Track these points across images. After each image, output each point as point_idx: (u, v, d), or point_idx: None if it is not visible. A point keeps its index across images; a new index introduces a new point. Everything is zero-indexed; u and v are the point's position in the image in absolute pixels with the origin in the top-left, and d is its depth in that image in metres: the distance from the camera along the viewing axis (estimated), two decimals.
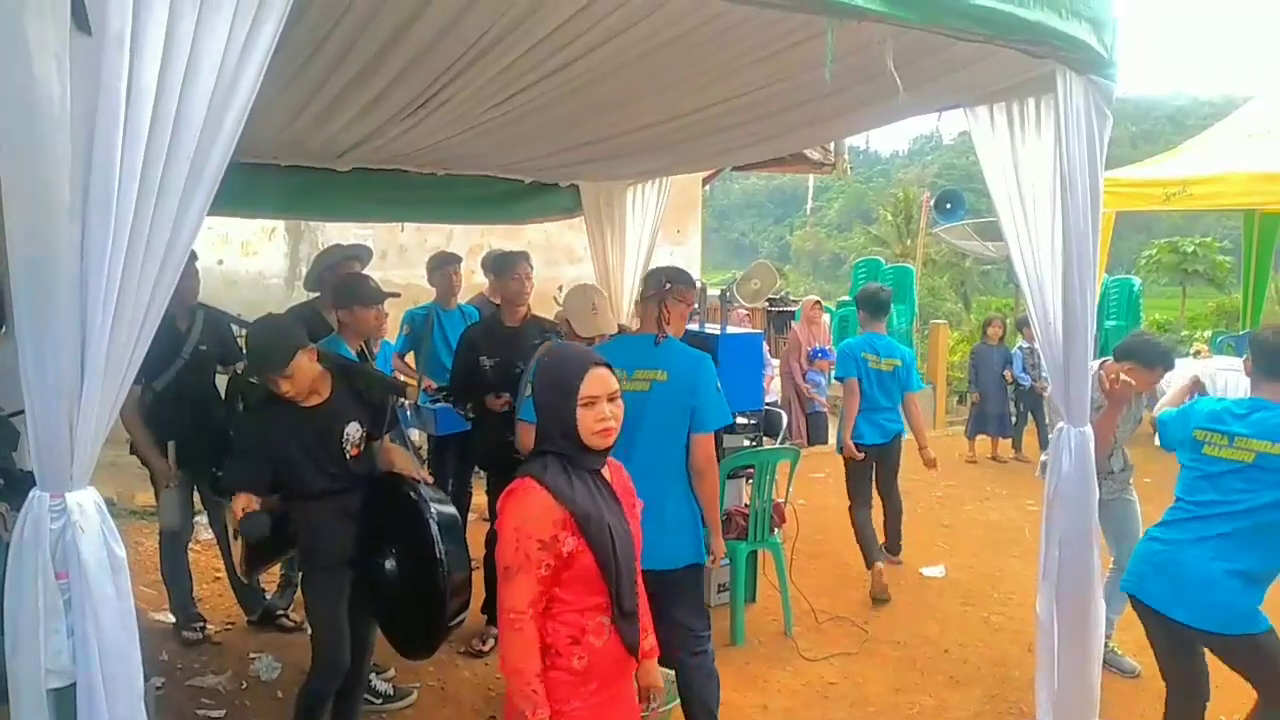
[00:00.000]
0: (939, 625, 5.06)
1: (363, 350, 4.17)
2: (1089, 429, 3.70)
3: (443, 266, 5.30)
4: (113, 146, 1.86)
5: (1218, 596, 3.08)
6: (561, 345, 2.62)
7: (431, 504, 3.11)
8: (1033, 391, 8.75)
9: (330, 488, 3.25)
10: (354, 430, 3.29)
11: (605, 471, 2.36)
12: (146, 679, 2.15)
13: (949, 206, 13.65)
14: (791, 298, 11.74)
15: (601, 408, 2.28)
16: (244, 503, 3.06)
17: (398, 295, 4.15)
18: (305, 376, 3.17)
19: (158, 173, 1.92)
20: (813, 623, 4.91)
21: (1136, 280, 12.32)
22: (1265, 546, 3.07)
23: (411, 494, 3.17)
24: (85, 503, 2.02)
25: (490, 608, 4.64)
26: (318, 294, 4.64)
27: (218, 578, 5.20)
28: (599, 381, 2.29)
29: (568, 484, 2.24)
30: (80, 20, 1.78)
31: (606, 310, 4.37)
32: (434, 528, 3.03)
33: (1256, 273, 11.54)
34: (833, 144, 10.37)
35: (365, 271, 4.60)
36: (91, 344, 1.92)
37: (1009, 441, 9.12)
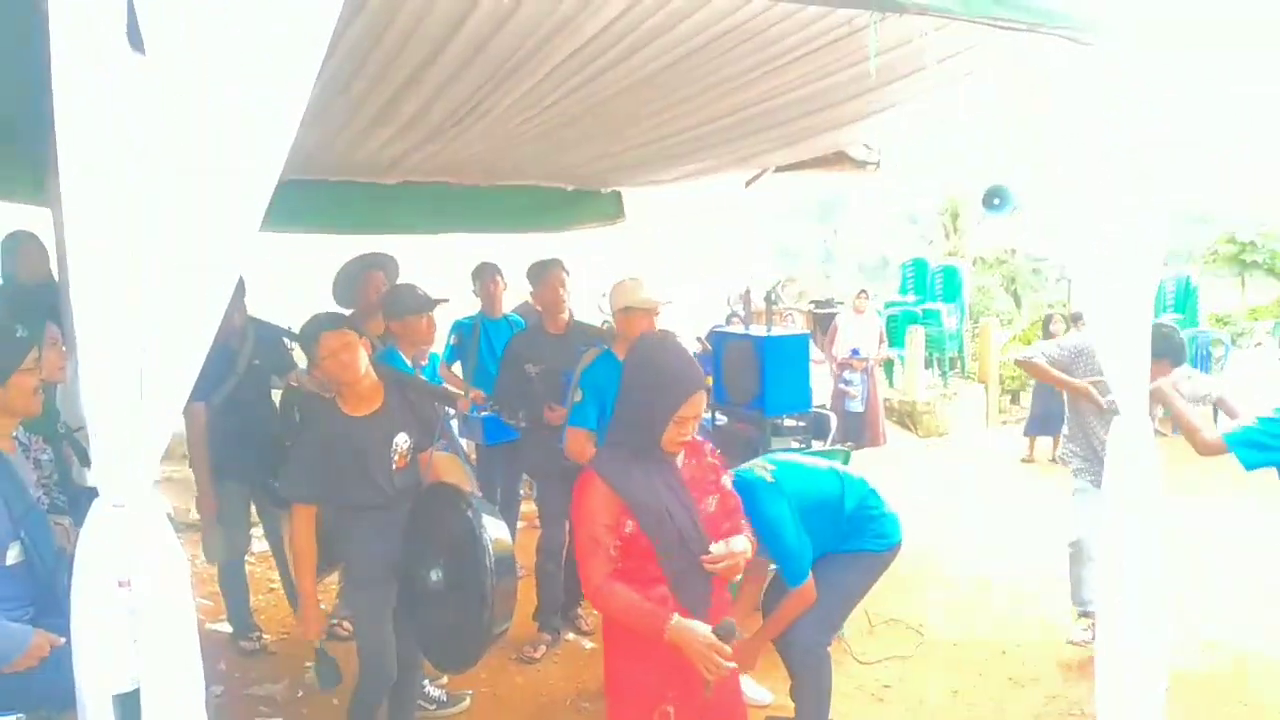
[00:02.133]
0: (996, 627, 4.97)
1: (414, 361, 4.22)
2: (1148, 422, 3.62)
3: (483, 276, 5.34)
4: (166, 167, 1.91)
5: None
6: (673, 347, 2.53)
7: (483, 514, 3.12)
8: None
9: (377, 500, 3.27)
10: (403, 440, 3.31)
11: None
12: (206, 687, 2.19)
13: (996, 202, 13.42)
14: (838, 300, 11.64)
15: (689, 426, 2.41)
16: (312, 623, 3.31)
17: (446, 300, 4.19)
18: (360, 356, 3.19)
19: (212, 192, 1.96)
20: (866, 625, 4.85)
21: (1193, 271, 12.05)
22: None
23: (462, 504, 3.19)
24: (147, 512, 2.07)
25: (541, 615, 4.66)
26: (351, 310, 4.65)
27: (273, 589, 5.29)
28: (697, 403, 2.41)
29: (629, 475, 2.38)
30: (135, 40, 1.83)
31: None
32: (485, 539, 3.02)
33: None
34: (876, 144, 10.28)
35: (403, 282, 4.64)
36: (150, 359, 1.97)
37: None
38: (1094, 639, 4.46)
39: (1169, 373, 4.00)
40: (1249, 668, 4.32)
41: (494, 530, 3.08)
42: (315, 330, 3.23)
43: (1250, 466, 3.19)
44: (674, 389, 2.37)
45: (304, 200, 4.81)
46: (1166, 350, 3.80)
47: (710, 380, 5.50)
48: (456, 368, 5.52)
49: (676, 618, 2.28)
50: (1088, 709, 3.95)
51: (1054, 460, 8.75)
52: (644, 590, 2.36)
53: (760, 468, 3.38)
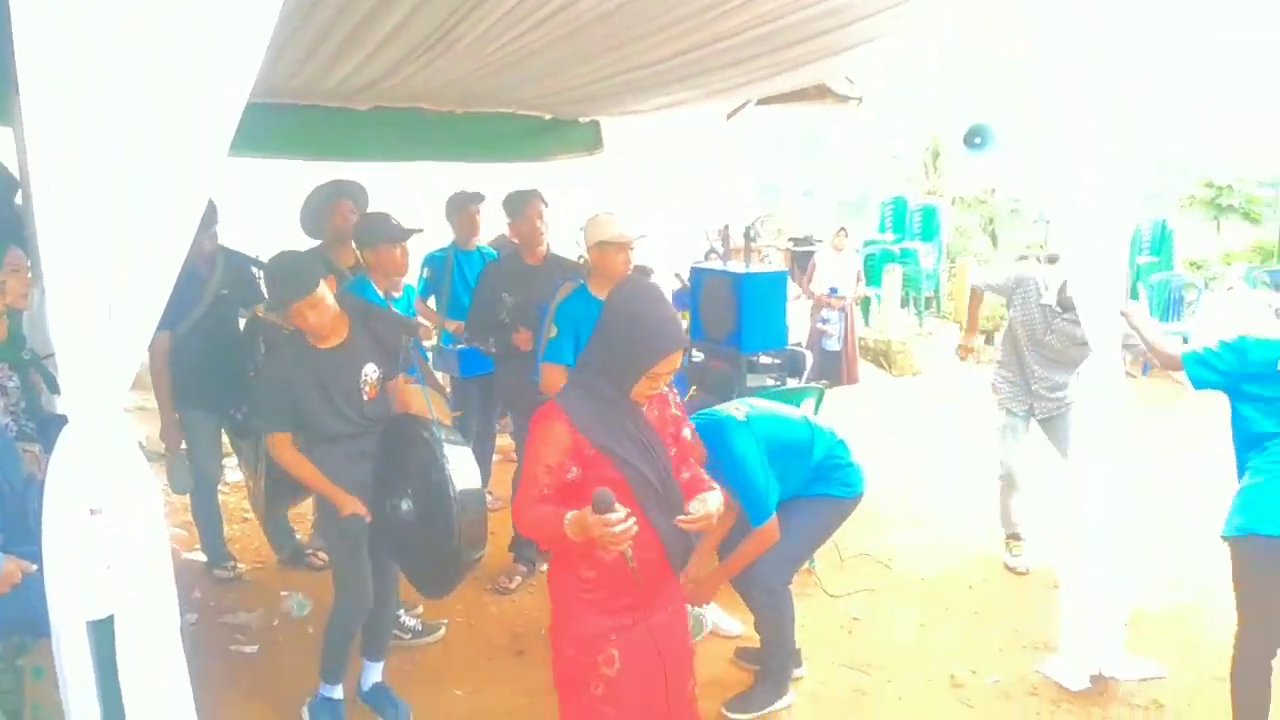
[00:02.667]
0: (964, 562, 5.07)
1: (388, 293, 4.16)
2: (1119, 360, 3.67)
3: (464, 206, 5.24)
4: (133, 89, 1.85)
5: None
6: (657, 299, 2.45)
7: (445, 444, 3.11)
8: None
9: (347, 430, 3.28)
10: (371, 371, 3.31)
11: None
12: (181, 615, 2.20)
13: (978, 140, 13.34)
14: (816, 238, 11.59)
15: (661, 381, 2.40)
16: (352, 506, 3.20)
17: (420, 230, 4.13)
18: (328, 308, 3.18)
19: (178, 114, 1.90)
20: (837, 559, 4.93)
21: (1168, 217, 12.09)
22: None
23: (425, 434, 3.18)
24: (117, 439, 2.05)
25: (517, 546, 4.69)
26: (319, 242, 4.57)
27: (246, 518, 5.30)
28: (674, 360, 2.38)
29: (594, 416, 2.34)
30: None
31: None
32: (447, 467, 3.03)
33: None
34: (859, 78, 10.16)
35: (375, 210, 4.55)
36: (117, 284, 1.93)
37: None
38: (1027, 563, 4.84)
39: None
40: (1210, 603, 4.43)
41: (457, 459, 3.08)
42: (281, 280, 3.20)
43: (1198, 385, 3.28)
44: (654, 345, 2.33)
45: (273, 125, 4.67)
46: None
47: (688, 316, 5.53)
48: (431, 302, 5.47)
49: (569, 514, 2.22)
50: (1051, 642, 4.05)
51: None
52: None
53: (733, 408, 3.43)
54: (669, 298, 6.62)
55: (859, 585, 4.74)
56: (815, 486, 3.52)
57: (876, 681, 3.87)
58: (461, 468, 3.11)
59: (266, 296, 3.82)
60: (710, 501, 2.41)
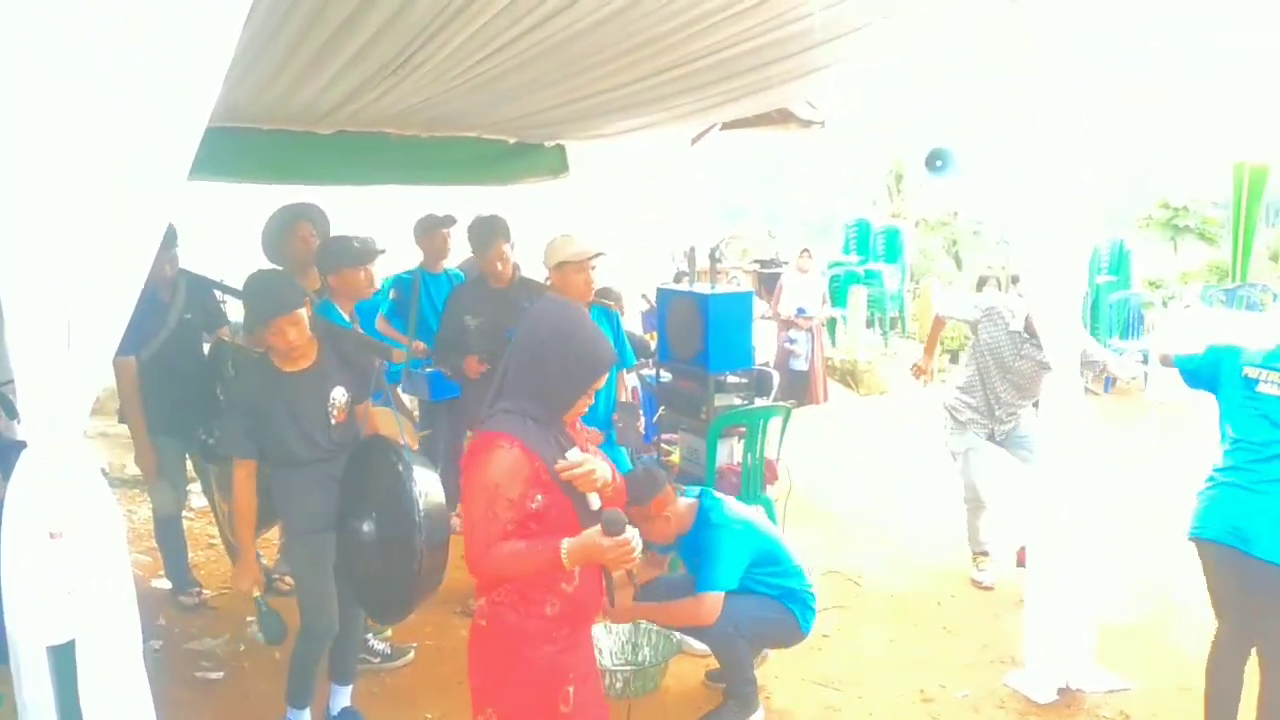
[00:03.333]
0: (932, 579, 5.11)
1: (353, 315, 4.15)
2: (1079, 378, 3.74)
3: (434, 229, 5.25)
4: (92, 113, 1.85)
5: None
6: (583, 317, 2.38)
7: (413, 467, 3.09)
8: None
9: (314, 454, 3.26)
10: (339, 395, 3.30)
11: None
12: (144, 641, 2.17)
13: (939, 164, 13.55)
14: (782, 259, 11.69)
15: (590, 399, 2.34)
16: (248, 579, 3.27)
17: (384, 252, 4.13)
18: (302, 338, 3.18)
19: (138, 139, 1.91)
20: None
21: (1126, 237, 12.31)
22: None
23: (393, 457, 3.17)
24: (76, 463, 2.03)
25: None
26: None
27: (212, 544, 5.23)
28: (604, 378, 2.34)
29: (542, 441, 2.25)
30: None
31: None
32: (414, 490, 3.01)
33: (1245, 227, 11.53)
34: (821, 103, 10.30)
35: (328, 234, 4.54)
36: (75, 309, 1.93)
37: None
38: (993, 578, 4.89)
39: None
40: (1178, 618, 4.49)
41: (424, 483, 3.06)
42: (264, 295, 3.18)
43: (1189, 384, 3.44)
44: (592, 364, 2.28)
45: (236, 149, 4.68)
46: None
47: (655, 337, 5.55)
48: (380, 324, 5.41)
49: (566, 541, 2.15)
50: (1018, 656, 4.08)
51: None
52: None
53: (741, 508, 3.78)
54: (638, 319, 6.70)
55: (829, 603, 4.75)
56: (784, 599, 3.71)
57: (847, 697, 3.88)
58: (428, 491, 3.08)
59: (244, 315, 3.76)
60: (595, 460, 2.30)
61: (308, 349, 3.26)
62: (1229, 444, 3.21)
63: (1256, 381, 3.14)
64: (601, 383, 2.32)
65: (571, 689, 2.31)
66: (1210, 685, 3.28)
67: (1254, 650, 3.21)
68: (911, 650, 4.30)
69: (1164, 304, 11.67)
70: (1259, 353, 3.21)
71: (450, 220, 5.27)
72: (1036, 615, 3.85)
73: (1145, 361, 9.49)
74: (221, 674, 3.99)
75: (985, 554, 5.07)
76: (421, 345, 4.64)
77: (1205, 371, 3.35)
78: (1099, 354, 3.74)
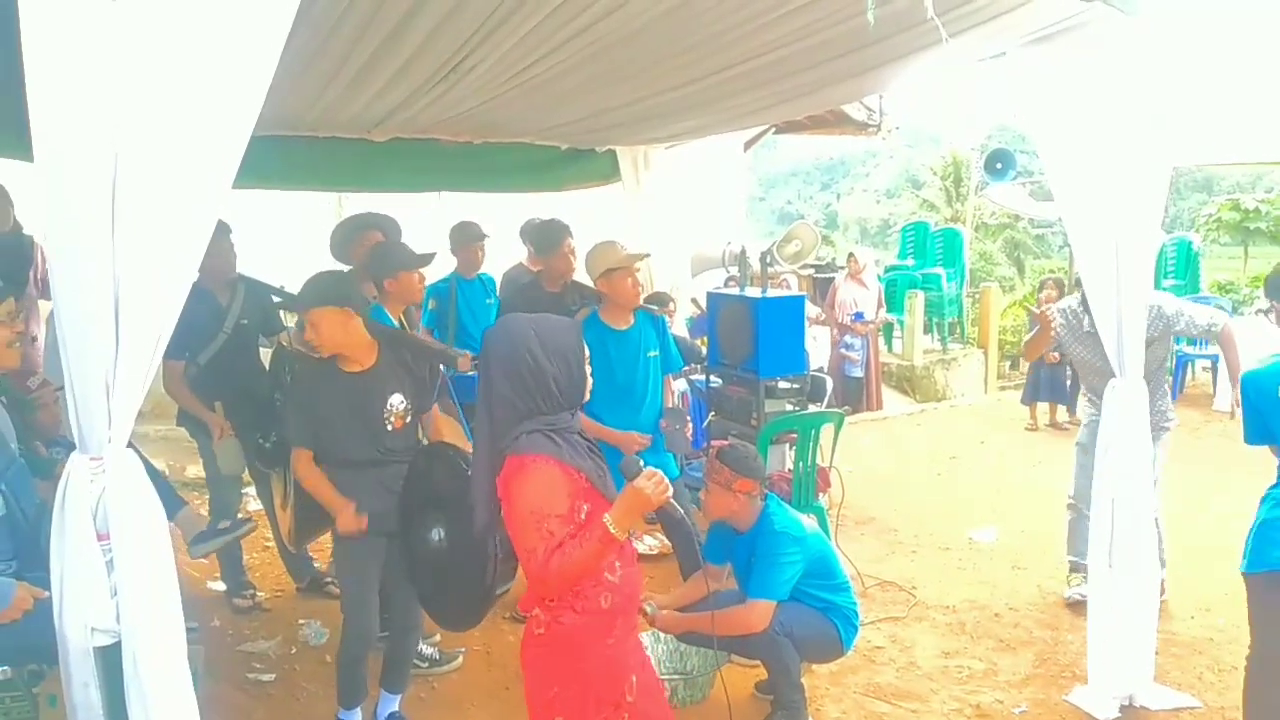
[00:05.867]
0: (989, 590, 4.98)
1: (403, 321, 4.17)
2: (1143, 385, 3.61)
3: (469, 243, 5.28)
4: (133, 121, 1.87)
5: None
6: (532, 318, 2.39)
7: None
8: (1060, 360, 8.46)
9: (368, 458, 3.25)
10: (398, 401, 3.28)
11: None
12: (195, 643, 2.19)
13: (999, 166, 13.29)
14: (838, 264, 11.57)
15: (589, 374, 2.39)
16: (347, 518, 3.17)
17: (435, 255, 4.16)
18: (359, 331, 3.20)
19: (184, 146, 1.93)
20: (860, 588, 4.84)
21: (1194, 238, 11.94)
22: None
23: (463, 464, 3.15)
24: (123, 465, 2.06)
25: None
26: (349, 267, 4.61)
27: (267, 547, 5.30)
28: (584, 346, 2.39)
29: (571, 450, 2.28)
30: None
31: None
32: None
33: None
34: (878, 105, 10.18)
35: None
36: (123, 314, 1.96)
37: (1065, 407, 8.89)
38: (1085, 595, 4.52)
39: None
40: (1243, 631, 4.31)
41: None
42: (312, 298, 3.20)
43: (1246, 440, 3.17)
44: (570, 337, 2.34)
45: (291, 157, 4.74)
46: None
47: (705, 342, 5.51)
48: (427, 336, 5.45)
49: (606, 515, 2.17)
50: (1078, 670, 3.95)
51: (1052, 425, 8.75)
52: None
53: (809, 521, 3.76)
54: (685, 324, 6.66)
55: (881, 613, 4.66)
56: (829, 613, 3.65)
57: (899, 711, 3.79)
58: None
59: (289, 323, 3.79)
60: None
61: (367, 352, 3.27)
62: None
63: None
64: (585, 352, 2.36)
65: (635, 677, 2.37)
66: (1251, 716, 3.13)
67: None
68: (967, 663, 4.19)
69: (1235, 308, 11.30)
70: (1273, 372, 3.00)
71: (482, 234, 5.32)
72: (1099, 629, 3.72)
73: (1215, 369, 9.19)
74: (273, 676, 4.03)
75: (1079, 570, 4.60)
76: (469, 356, 4.67)
77: (1251, 413, 3.10)
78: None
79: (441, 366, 4.77)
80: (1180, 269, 10.82)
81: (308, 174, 5.01)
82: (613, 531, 2.16)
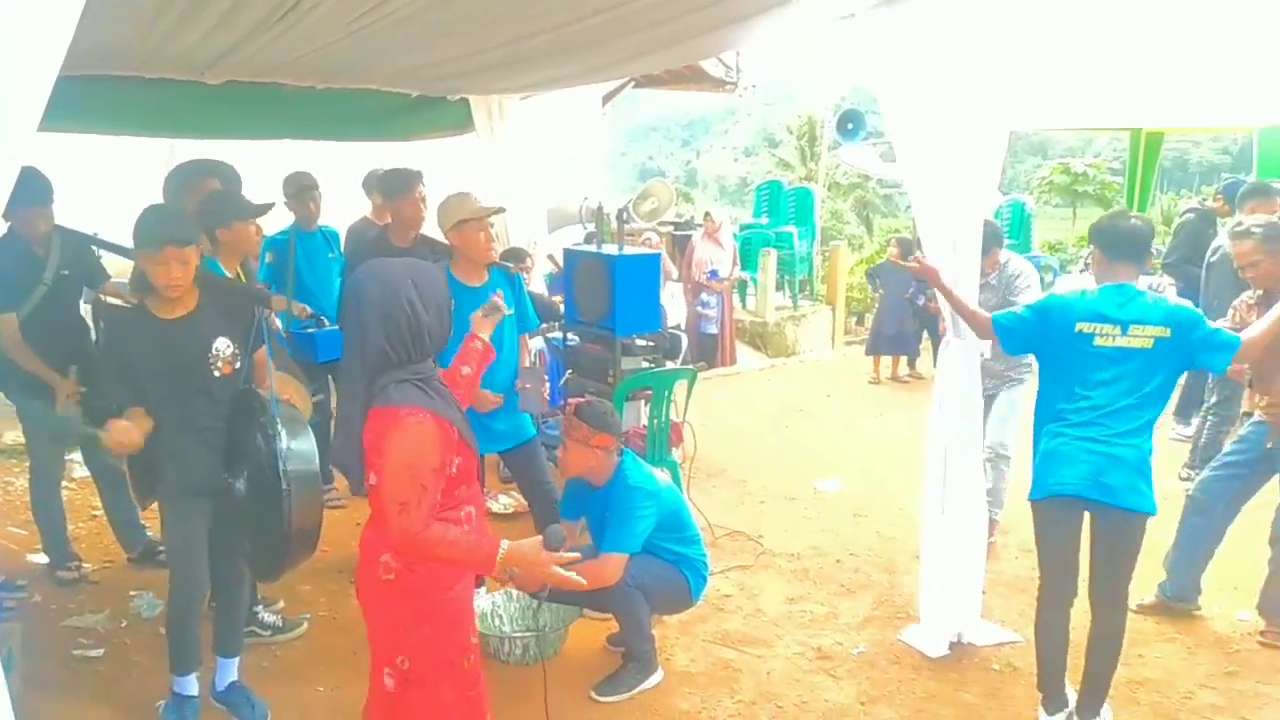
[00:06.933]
0: (832, 537, 5.19)
1: (239, 275, 3.97)
2: (975, 343, 3.79)
3: (301, 192, 5.06)
4: None
5: (1148, 476, 3.16)
6: (406, 263, 2.37)
7: (280, 422, 2.94)
8: (926, 310, 8.87)
9: (195, 409, 3.11)
10: (223, 346, 3.14)
11: None
12: (8, 620, 2.04)
13: (850, 127, 13.66)
14: (697, 221, 11.69)
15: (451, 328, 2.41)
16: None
17: (273, 206, 3.96)
18: (192, 272, 3.03)
19: None
20: (710, 539, 4.97)
21: (1028, 200, 12.61)
22: (1151, 423, 3.18)
23: (261, 412, 3.02)
24: None
25: None
26: None
27: (94, 516, 5.00)
28: (450, 296, 2.40)
29: (444, 407, 2.28)
30: None
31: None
32: (278, 447, 2.86)
33: (1140, 192, 11.91)
34: (735, 62, 10.27)
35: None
36: None
37: (907, 359, 9.29)
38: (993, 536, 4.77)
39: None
40: None
41: (293, 441, 2.93)
42: (153, 222, 3.00)
43: (1007, 349, 3.47)
44: (439, 285, 2.35)
45: (117, 99, 4.42)
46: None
47: (562, 299, 5.47)
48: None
49: (505, 543, 2.24)
50: (912, 611, 4.18)
51: (894, 378, 9.15)
52: (453, 513, 2.32)
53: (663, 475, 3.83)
54: (543, 280, 6.59)
55: (731, 563, 4.80)
56: (680, 565, 3.74)
57: (746, 657, 3.92)
58: (296, 449, 2.92)
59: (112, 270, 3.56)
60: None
61: (187, 296, 3.09)
62: (1071, 400, 3.19)
63: (1092, 336, 3.13)
64: (450, 304, 2.36)
65: (474, 638, 2.48)
66: (1042, 642, 3.39)
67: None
68: (810, 608, 4.36)
69: (1063, 267, 12.04)
70: (1083, 307, 3.17)
71: (314, 183, 5.15)
72: (931, 571, 3.93)
73: None
74: (102, 651, 3.82)
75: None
76: (304, 307, 4.48)
77: (1027, 330, 3.31)
78: (960, 303, 3.70)
79: (281, 323, 4.59)
80: (1014, 229, 11.41)
81: (135, 119, 4.67)
82: (498, 561, 2.22)
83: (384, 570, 2.31)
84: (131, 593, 4.24)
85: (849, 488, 5.99)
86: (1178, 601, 4.19)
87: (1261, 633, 4.02)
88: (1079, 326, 3.15)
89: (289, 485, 2.83)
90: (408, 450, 2.16)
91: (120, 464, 3.75)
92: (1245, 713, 3.50)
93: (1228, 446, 4.30)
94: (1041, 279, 10.84)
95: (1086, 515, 3.24)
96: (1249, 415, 4.19)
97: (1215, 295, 5.49)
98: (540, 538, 2.28)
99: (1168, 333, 3.09)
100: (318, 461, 3.00)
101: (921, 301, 8.89)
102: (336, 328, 4.48)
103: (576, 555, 2.35)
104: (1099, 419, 3.14)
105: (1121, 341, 3.11)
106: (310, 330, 4.62)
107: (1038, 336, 3.29)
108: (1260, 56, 7.43)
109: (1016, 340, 3.38)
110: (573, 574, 2.30)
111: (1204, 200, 9.99)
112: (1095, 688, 3.28)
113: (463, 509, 2.35)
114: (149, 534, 4.63)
